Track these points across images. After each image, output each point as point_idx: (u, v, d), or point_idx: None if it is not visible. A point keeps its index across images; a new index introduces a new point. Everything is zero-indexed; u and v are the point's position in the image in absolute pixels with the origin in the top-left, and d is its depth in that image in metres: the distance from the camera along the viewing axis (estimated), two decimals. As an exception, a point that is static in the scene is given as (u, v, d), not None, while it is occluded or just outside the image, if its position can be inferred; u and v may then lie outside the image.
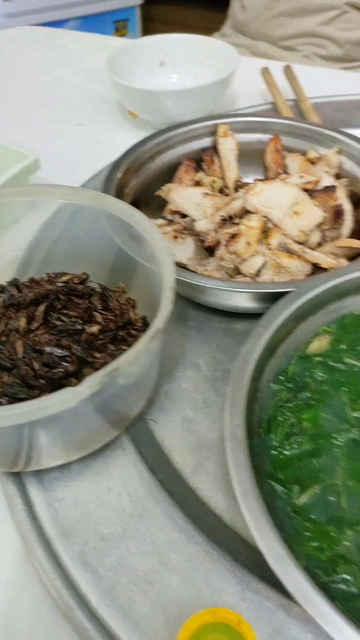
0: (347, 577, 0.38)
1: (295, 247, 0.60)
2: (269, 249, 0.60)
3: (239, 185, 0.77)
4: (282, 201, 0.63)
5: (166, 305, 0.46)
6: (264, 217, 0.63)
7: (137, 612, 0.42)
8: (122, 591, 0.43)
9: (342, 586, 0.38)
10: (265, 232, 0.61)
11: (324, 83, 1.07)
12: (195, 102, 0.92)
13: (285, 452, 0.45)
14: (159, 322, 0.45)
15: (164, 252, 0.50)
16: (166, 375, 0.61)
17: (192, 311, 0.67)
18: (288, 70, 1.02)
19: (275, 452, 0.45)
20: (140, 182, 0.75)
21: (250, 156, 0.81)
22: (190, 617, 0.39)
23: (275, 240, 0.60)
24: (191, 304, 0.68)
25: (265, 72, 1.02)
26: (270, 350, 0.50)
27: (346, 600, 0.37)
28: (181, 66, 1.04)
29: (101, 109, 1.06)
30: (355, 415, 0.47)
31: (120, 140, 0.98)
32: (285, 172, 0.76)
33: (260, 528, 0.37)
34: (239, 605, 0.42)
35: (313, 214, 0.63)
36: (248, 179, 0.81)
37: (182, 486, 0.51)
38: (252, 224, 0.60)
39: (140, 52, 1.02)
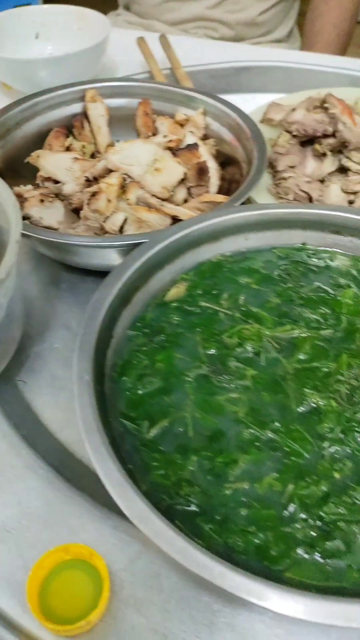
0: (190, 498, 0.40)
1: (153, 201, 0.61)
2: (129, 205, 0.60)
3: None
4: (142, 158, 0.64)
5: (9, 257, 0.46)
6: (125, 174, 0.63)
7: (-6, 559, 0.42)
8: (-21, 542, 0.43)
9: (184, 507, 0.40)
10: (123, 188, 0.61)
11: (201, 53, 1.09)
12: (69, 70, 0.91)
13: (138, 392, 0.46)
14: (1, 273, 0.45)
15: (11, 207, 0.50)
16: (37, 337, 0.61)
17: (64, 274, 0.67)
18: (163, 40, 1.02)
19: (128, 393, 0.46)
20: (8, 150, 0.74)
21: (122, 120, 0.81)
22: (43, 555, 0.40)
23: (132, 195, 0.61)
24: (64, 267, 0.68)
25: (141, 41, 1.02)
26: (124, 298, 0.51)
27: (187, 518, 0.39)
28: (56, 38, 1.02)
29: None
30: (206, 352, 0.49)
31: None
32: (155, 135, 0.76)
33: (101, 460, 0.38)
34: (97, 541, 0.43)
35: (173, 170, 0.65)
36: (122, 144, 0.82)
37: (49, 440, 0.52)
38: (111, 181, 0.61)
39: (14, 23, 1.00)
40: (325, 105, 0.79)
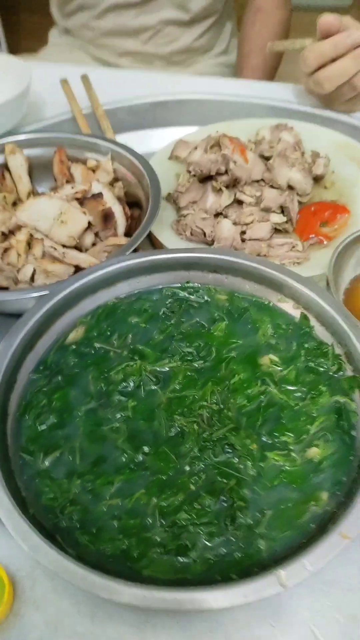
0: (72, 515, 0.49)
1: (56, 254, 0.70)
2: (35, 259, 0.69)
3: (34, 195, 0.86)
4: (48, 212, 0.73)
5: None
6: (34, 228, 0.72)
7: None
8: None
9: (67, 524, 0.49)
10: (29, 245, 0.70)
11: (132, 84, 1.17)
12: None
13: (37, 428, 0.56)
14: None
15: None
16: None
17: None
18: (85, 80, 1.10)
19: (28, 431, 0.56)
20: None
21: (42, 167, 0.90)
22: None
23: (37, 250, 0.70)
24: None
25: (64, 83, 1.10)
26: (28, 345, 0.60)
27: (68, 533, 0.48)
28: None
29: None
30: (95, 389, 0.58)
31: None
32: (69, 181, 0.85)
33: (-4, 492, 0.47)
34: (3, 553, 0.52)
35: (78, 220, 0.74)
36: (43, 188, 0.90)
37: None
38: (19, 237, 0.70)
39: None
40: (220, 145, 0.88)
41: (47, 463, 0.53)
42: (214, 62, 1.48)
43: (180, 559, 0.47)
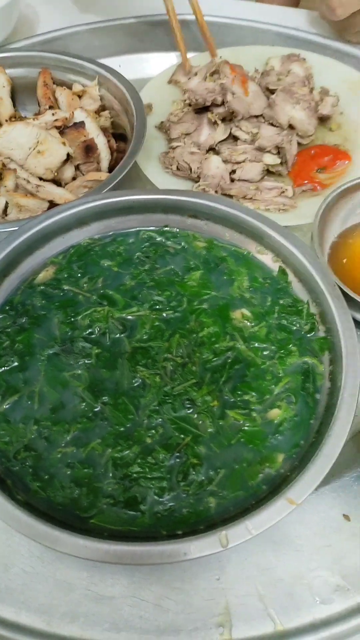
0: (25, 461, 0.49)
1: (29, 187, 0.66)
2: (7, 191, 0.66)
3: (15, 121, 0.81)
4: (24, 142, 0.68)
5: None
6: (7, 157, 0.68)
7: None
8: None
9: (19, 469, 0.49)
10: (0, 175, 0.67)
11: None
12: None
13: (-3, 370, 0.55)
14: None
15: None
16: None
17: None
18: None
19: (-12, 372, 0.55)
20: None
21: (27, 90, 0.84)
22: None
23: (10, 182, 0.66)
24: None
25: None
26: (-7, 285, 0.58)
27: (20, 478, 0.48)
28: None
29: None
30: (60, 333, 0.57)
31: None
32: (53, 107, 0.80)
33: None
34: None
35: (56, 151, 0.69)
36: (27, 112, 0.85)
37: None
38: (-9, 167, 0.66)
39: None
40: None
41: (5, 406, 0.52)
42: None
43: (129, 511, 0.47)
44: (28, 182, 0.66)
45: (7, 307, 0.59)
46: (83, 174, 0.74)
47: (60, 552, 0.43)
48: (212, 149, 0.81)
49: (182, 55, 0.90)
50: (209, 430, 0.51)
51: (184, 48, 0.90)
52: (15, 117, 0.82)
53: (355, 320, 0.54)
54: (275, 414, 0.52)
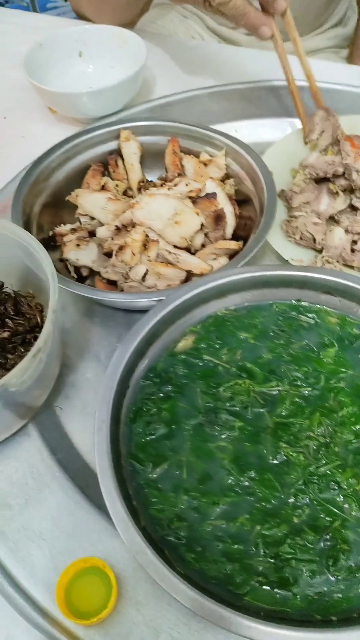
0: (179, 531, 0.52)
1: (170, 258, 0.70)
2: (149, 260, 0.70)
3: (144, 186, 0.86)
4: (163, 212, 0.73)
5: (47, 326, 0.57)
6: (148, 227, 0.73)
7: (34, 562, 0.56)
8: (23, 547, 0.57)
9: (174, 539, 0.52)
10: (145, 245, 0.71)
11: (239, 65, 1.13)
12: (108, 98, 0.99)
13: (146, 436, 0.58)
14: (39, 342, 0.56)
15: (50, 277, 0.61)
16: (72, 367, 0.73)
17: (97, 308, 0.79)
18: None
19: (138, 437, 0.58)
20: (52, 189, 0.84)
21: (154, 156, 0.90)
22: (69, 564, 0.53)
23: (152, 252, 0.70)
24: (97, 302, 0.79)
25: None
26: (140, 352, 0.62)
27: (174, 548, 0.51)
28: (96, 57, 1.09)
29: (25, 99, 1.11)
30: (203, 403, 0.60)
31: (43, 134, 1.04)
32: (181, 174, 0.85)
33: (111, 500, 0.50)
34: (110, 552, 0.56)
35: (192, 222, 0.73)
36: (152, 177, 0.90)
37: (79, 462, 0.64)
38: (135, 237, 0.71)
39: (58, 44, 1.07)
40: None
41: (155, 474, 0.56)
42: (326, 36, 1.39)
43: (281, 591, 0.48)
44: (169, 252, 0.70)
45: (151, 374, 0.63)
46: (211, 241, 0.78)
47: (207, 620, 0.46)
48: (331, 218, 0.84)
49: (302, 120, 0.93)
50: (355, 514, 0.52)
51: (302, 112, 0.93)
52: (143, 182, 0.88)
53: None
54: None
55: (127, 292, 0.72)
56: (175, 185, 0.79)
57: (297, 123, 0.97)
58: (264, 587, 0.49)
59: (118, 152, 0.88)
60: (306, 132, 0.93)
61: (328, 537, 0.51)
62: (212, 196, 0.77)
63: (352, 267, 0.78)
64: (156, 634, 0.51)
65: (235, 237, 0.80)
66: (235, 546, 0.51)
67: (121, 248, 0.71)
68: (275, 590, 0.49)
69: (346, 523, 0.51)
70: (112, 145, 0.89)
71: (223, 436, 0.58)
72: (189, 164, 0.86)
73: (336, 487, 0.53)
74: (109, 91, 0.97)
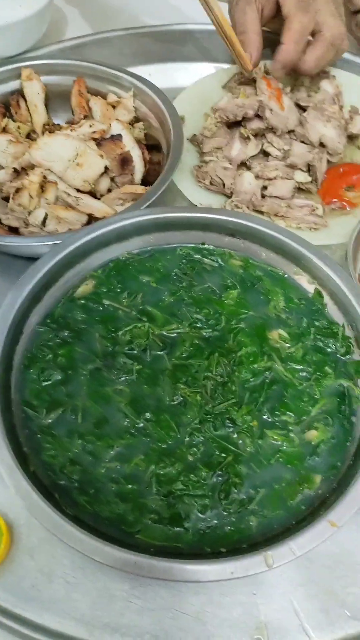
0: (72, 475, 0.51)
1: (70, 201, 0.67)
2: (48, 204, 0.67)
3: (49, 129, 0.82)
4: (64, 154, 0.69)
5: None
6: (48, 169, 0.69)
7: None
8: None
9: (66, 482, 0.50)
10: (42, 188, 0.67)
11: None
12: (13, 36, 0.92)
13: (41, 383, 0.56)
14: None
15: None
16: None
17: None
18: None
19: (32, 384, 0.56)
20: None
21: (61, 98, 0.85)
22: None
23: (51, 195, 0.67)
24: None
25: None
26: (35, 297, 0.60)
27: (66, 492, 0.50)
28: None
29: None
30: (101, 348, 0.58)
31: None
32: (88, 116, 0.81)
33: (-2, 447, 0.48)
34: (2, 502, 0.54)
35: (94, 164, 0.70)
36: (59, 120, 0.86)
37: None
38: (32, 178, 0.67)
39: None
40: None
41: (49, 420, 0.54)
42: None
43: (173, 527, 0.48)
44: (69, 195, 0.67)
45: (48, 320, 0.60)
46: (118, 186, 0.75)
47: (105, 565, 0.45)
48: (243, 164, 0.82)
49: (242, 60, 0.87)
50: (249, 449, 0.52)
51: (243, 53, 0.88)
52: (49, 125, 0.83)
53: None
54: (312, 435, 0.53)
55: (27, 238, 0.69)
56: (80, 126, 0.75)
57: (214, 69, 0.94)
58: (156, 524, 0.48)
59: (20, 93, 0.83)
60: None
61: (221, 472, 0.51)
62: (117, 138, 0.74)
63: (262, 212, 0.77)
64: (49, 579, 0.50)
65: (146, 183, 0.77)
66: (129, 486, 0.50)
67: (18, 191, 0.67)
68: (167, 526, 0.48)
69: (240, 458, 0.52)
70: (13, 85, 0.84)
71: (121, 380, 0.56)
72: (96, 105, 0.82)
73: (231, 425, 0.53)
74: (12, 28, 0.90)
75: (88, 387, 0.56)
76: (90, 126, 0.75)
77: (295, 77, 0.89)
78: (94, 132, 0.73)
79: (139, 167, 0.77)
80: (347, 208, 0.79)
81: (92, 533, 0.46)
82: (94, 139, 0.74)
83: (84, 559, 0.50)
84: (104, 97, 0.83)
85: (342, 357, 0.58)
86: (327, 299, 0.61)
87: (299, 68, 0.82)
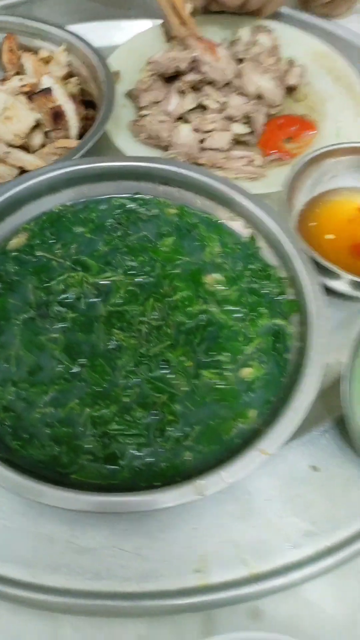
0: (5, 421, 0.50)
1: (-1, 154, 0.66)
2: (-24, 156, 0.65)
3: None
4: (-8, 108, 0.68)
5: None
6: (-24, 124, 0.67)
7: None
8: None
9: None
10: (-30, 141, 0.66)
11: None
12: None
13: (-27, 335, 0.55)
14: None
15: None
16: None
17: None
18: None
19: (-36, 334, 0.55)
20: None
21: (-9, 55, 0.82)
22: None
23: (-22, 148, 0.65)
24: None
25: None
26: (-35, 251, 0.58)
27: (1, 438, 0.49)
28: None
29: None
30: (35, 298, 0.57)
31: None
32: (19, 73, 0.79)
33: None
34: None
35: (24, 118, 0.69)
36: (-9, 79, 0.83)
37: None
38: None
39: None
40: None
41: (-18, 369, 0.53)
42: None
43: (109, 466, 0.48)
44: (7, 144, 0.66)
45: (-20, 273, 0.59)
46: (52, 141, 0.74)
47: (42, 506, 0.45)
48: (181, 118, 0.82)
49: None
50: (184, 389, 0.52)
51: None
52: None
53: (322, 284, 0.56)
54: (247, 372, 0.54)
55: None
56: (10, 81, 0.73)
57: (152, 24, 0.93)
58: (92, 463, 0.48)
59: None
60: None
61: (156, 412, 0.51)
62: (47, 91, 0.72)
63: (200, 164, 0.77)
64: (-13, 526, 0.50)
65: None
66: (64, 429, 0.50)
67: None
68: (103, 465, 0.48)
69: (175, 397, 0.52)
70: None
71: (55, 328, 0.56)
72: (28, 61, 0.80)
73: (166, 366, 0.53)
74: None
75: (22, 337, 0.55)
76: (20, 80, 0.73)
77: (233, 30, 0.89)
78: (24, 85, 0.72)
79: (73, 122, 0.75)
80: (286, 159, 0.80)
81: (27, 475, 0.45)
82: (25, 93, 0.72)
83: (23, 504, 0.51)
84: (36, 53, 0.81)
85: (277, 298, 0.58)
86: (261, 242, 0.62)
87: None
